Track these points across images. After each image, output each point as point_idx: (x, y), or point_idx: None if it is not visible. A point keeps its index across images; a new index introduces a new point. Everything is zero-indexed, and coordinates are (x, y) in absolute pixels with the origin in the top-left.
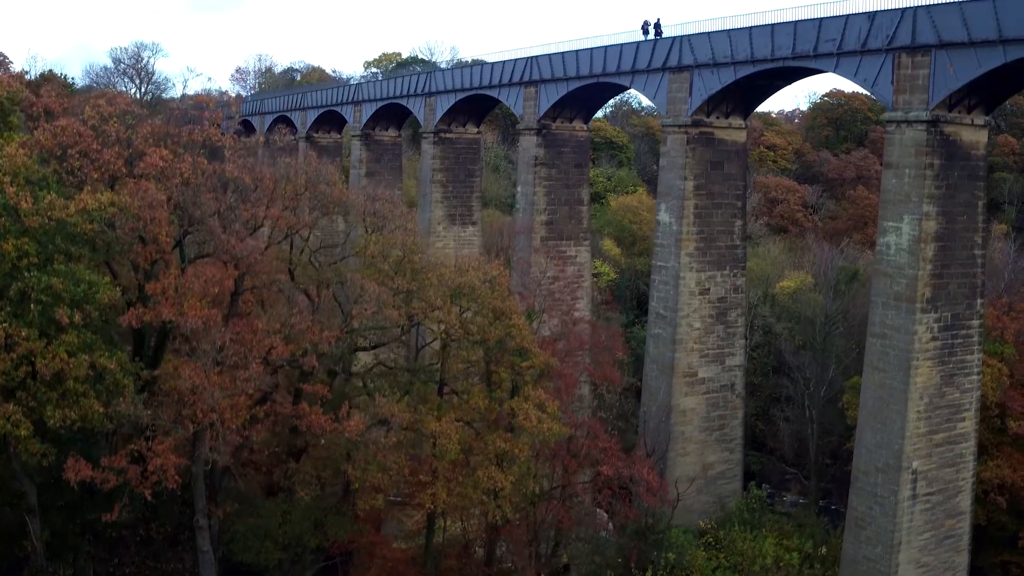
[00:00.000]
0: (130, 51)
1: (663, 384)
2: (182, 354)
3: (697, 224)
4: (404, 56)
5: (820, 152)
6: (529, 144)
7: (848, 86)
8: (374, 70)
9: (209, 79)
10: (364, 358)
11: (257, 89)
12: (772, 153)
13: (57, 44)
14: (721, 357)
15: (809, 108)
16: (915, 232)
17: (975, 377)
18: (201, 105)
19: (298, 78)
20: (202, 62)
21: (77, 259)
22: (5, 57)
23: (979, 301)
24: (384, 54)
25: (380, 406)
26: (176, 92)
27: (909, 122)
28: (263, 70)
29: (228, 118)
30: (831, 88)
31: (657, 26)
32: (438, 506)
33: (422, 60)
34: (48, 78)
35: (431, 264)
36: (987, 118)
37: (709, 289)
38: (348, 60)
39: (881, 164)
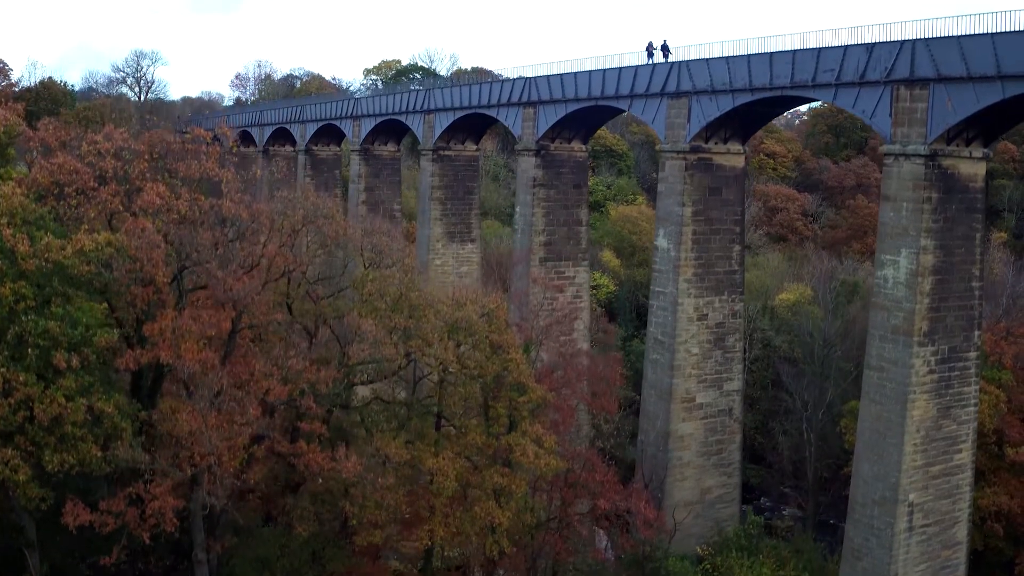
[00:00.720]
0: (129, 60)
1: (661, 410)
2: (179, 393)
3: (695, 250)
4: (404, 63)
5: (820, 159)
6: (528, 165)
7: None
8: (374, 77)
9: (209, 94)
10: (362, 391)
11: (257, 95)
12: (772, 161)
13: (57, 44)
14: (719, 382)
15: (809, 115)
16: (913, 266)
17: (972, 409)
18: (199, 139)
19: (298, 85)
20: (201, 67)
21: (74, 301)
22: (5, 64)
23: (976, 333)
24: (384, 61)
25: (378, 444)
26: (174, 95)
27: (907, 155)
28: (262, 77)
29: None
30: None
31: (664, 48)
32: (435, 542)
33: (422, 68)
34: (48, 85)
35: (428, 300)
36: (985, 150)
37: (707, 315)
38: (348, 67)
39: (881, 172)
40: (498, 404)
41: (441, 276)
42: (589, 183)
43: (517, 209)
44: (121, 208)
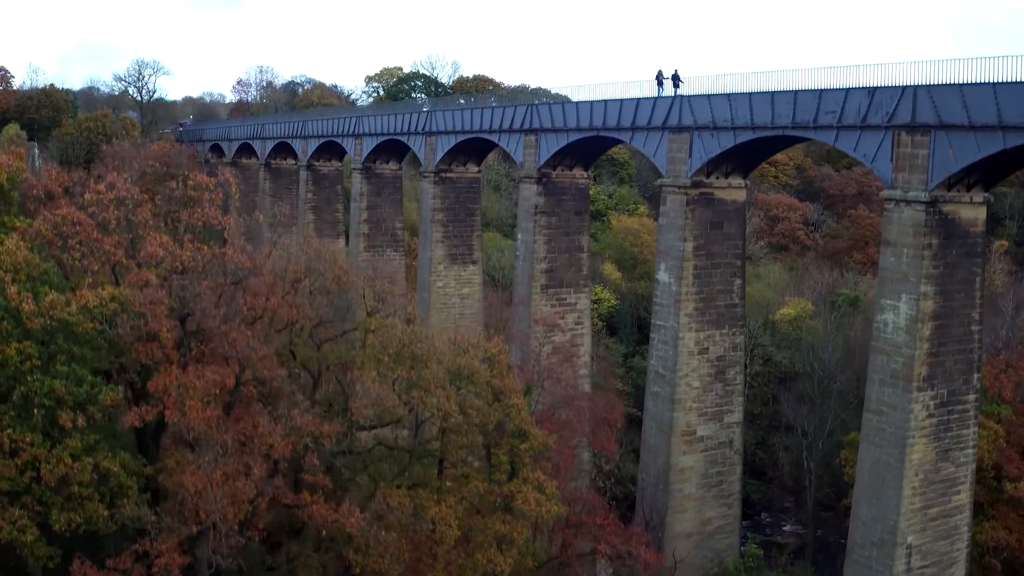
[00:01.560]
0: (131, 70)
1: (662, 442)
2: (182, 444)
3: (696, 285)
4: (405, 70)
5: (821, 167)
6: (529, 192)
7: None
8: (375, 84)
9: (211, 94)
10: (364, 436)
11: (259, 101)
12: (773, 169)
13: (57, 41)
14: (720, 415)
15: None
16: (912, 312)
17: (971, 451)
18: (202, 185)
19: (299, 92)
20: (202, 65)
21: (79, 359)
22: (6, 72)
23: (975, 376)
24: (385, 69)
25: (382, 494)
26: (176, 94)
27: (908, 202)
28: (264, 83)
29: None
30: None
31: (675, 78)
32: None
33: (423, 75)
34: (49, 93)
35: (430, 350)
36: (986, 195)
37: (708, 348)
38: (349, 74)
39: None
40: (500, 451)
41: (443, 298)
42: (591, 192)
43: (518, 236)
44: (124, 259)
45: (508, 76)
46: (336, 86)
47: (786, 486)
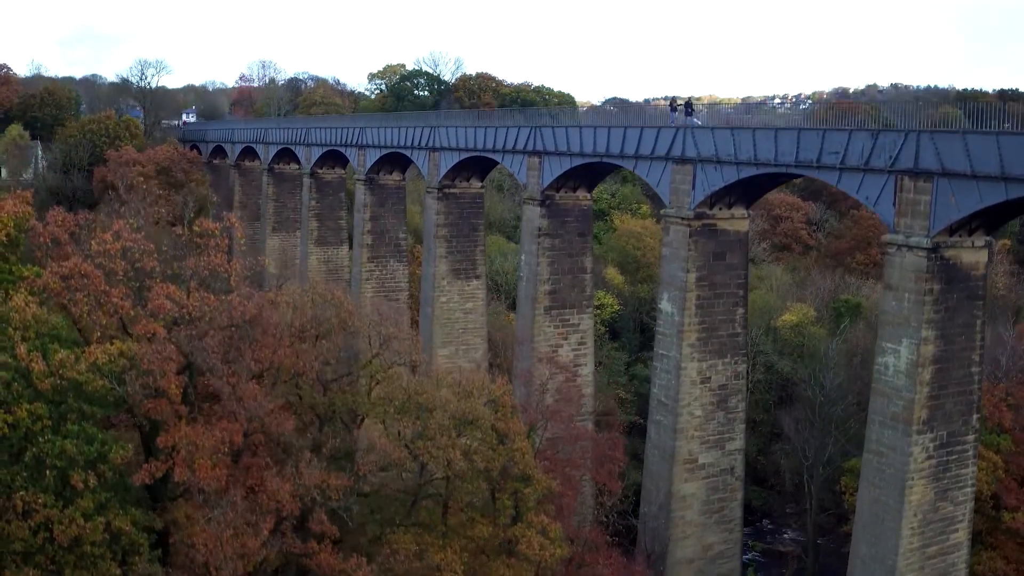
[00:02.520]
0: (134, 70)
1: (664, 470)
2: (192, 496)
3: (699, 315)
4: (408, 67)
5: None
6: (533, 214)
7: (852, 83)
8: (378, 81)
9: (213, 83)
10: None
11: (262, 98)
12: None
13: (57, 27)
14: (721, 442)
15: (813, 108)
16: (913, 357)
17: (969, 489)
18: (207, 232)
19: (302, 89)
20: (205, 58)
21: (89, 417)
22: (8, 68)
23: (975, 416)
24: (388, 66)
25: (388, 542)
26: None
27: (910, 247)
28: (267, 80)
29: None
30: (835, 87)
31: (688, 106)
32: None
33: (426, 73)
34: (52, 91)
35: (435, 399)
36: (988, 238)
37: (710, 377)
38: (352, 70)
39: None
40: (504, 495)
41: (447, 313)
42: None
43: (522, 257)
44: (132, 313)
45: (511, 73)
46: (339, 81)
47: (787, 493)
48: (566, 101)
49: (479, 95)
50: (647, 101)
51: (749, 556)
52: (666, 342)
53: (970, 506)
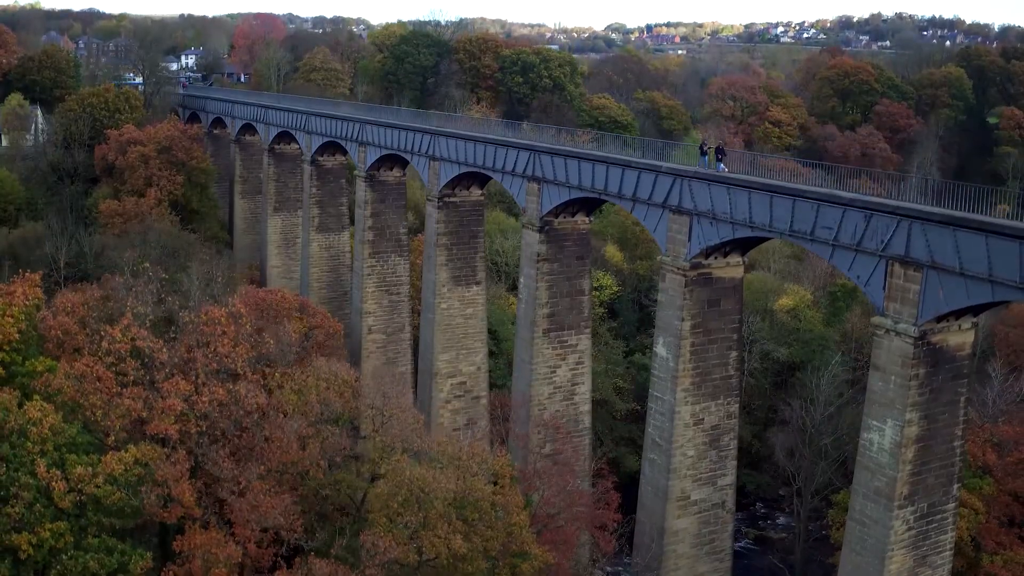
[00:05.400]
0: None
1: (657, 506)
2: None
3: (693, 361)
4: (409, 25)
5: (825, 125)
6: (532, 240)
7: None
8: (375, 48)
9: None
10: None
11: (261, 56)
12: (777, 129)
13: None
14: (713, 479)
15: (815, 81)
16: (897, 438)
17: (948, 552)
18: (214, 320)
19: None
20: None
21: (108, 528)
22: (5, 31)
23: (955, 487)
24: (388, 25)
25: None
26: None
27: (898, 333)
28: (264, 43)
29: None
30: (839, 15)
31: (720, 151)
32: None
33: (427, 34)
34: (50, 53)
35: (435, 489)
36: (975, 320)
37: (703, 419)
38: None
39: (886, 141)
40: (503, 571)
41: (447, 319)
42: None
43: (521, 280)
44: (145, 414)
45: (511, 12)
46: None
47: (781, 476)
48: (567, 62)
49: (479, 57)
50: (648, 28)
51: (742, 544)
52: (661, 386)
53: (948, 567)
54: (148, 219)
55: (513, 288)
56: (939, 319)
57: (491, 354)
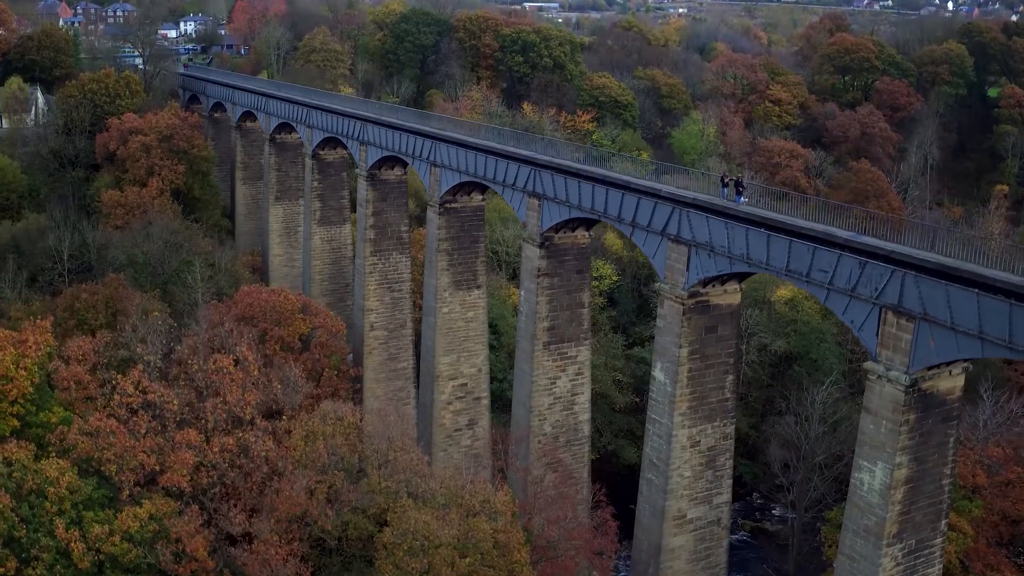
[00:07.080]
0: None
1: (654, 525)
2: None
3: (690, 386)
4: (409, 3)
5: (826, 103)
6: (532, 255)
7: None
8: (375, 26)
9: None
10: None
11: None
12: (777, 108)
13: None
14: (709, 498)
15: (816, 57)
16: (887, 480)
17: None
18: (222, 368)
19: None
20: None
21: None
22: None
23: (943, 522)
24: (387, 2)
25: None
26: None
27: (890, 379)
28: (264, 20)
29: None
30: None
31: (739, 183)
32: None
33: (426, 13)
34: (49, 32)
35: (439, 535)
36: (966, 365)
37: (700, 441)
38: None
39: (886, 119)
40: None
41: (448, 323)
42: (594, 137)
43: (521, 294)
44: (158, 468)
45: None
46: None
47: (778, 466)
48: (567, 40)
49: (479, 36)
50: None
51: (739, 536)
52: (659, 409)
53: None
54: (150, 211)
55: (514, 277)
56: (930, 367)
57: (491, 347)
